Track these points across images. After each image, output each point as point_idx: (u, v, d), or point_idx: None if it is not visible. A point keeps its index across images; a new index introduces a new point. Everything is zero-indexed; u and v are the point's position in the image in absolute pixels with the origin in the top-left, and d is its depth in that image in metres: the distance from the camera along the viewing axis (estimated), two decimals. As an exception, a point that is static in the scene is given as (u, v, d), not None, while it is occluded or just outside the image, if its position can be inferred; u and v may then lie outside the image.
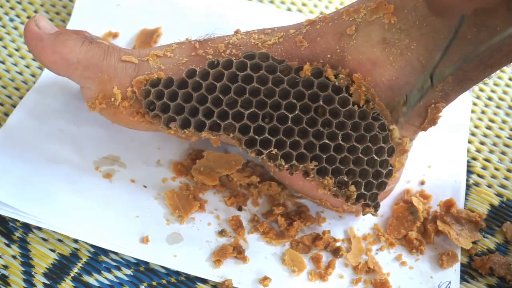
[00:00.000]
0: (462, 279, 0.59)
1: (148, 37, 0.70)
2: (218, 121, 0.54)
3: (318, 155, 0.54)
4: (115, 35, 0.70)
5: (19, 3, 0.73)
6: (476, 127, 0.69)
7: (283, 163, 0.54)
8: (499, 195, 0.65)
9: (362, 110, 0.53)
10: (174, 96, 0.54)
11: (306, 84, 0.54)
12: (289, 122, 0.53)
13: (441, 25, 0.52)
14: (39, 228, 0.58)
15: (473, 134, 0.68)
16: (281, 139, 0.53)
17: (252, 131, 0.53)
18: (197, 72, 0.54)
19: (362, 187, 0.54)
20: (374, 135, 0.54)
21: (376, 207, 0.56)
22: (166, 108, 0.55)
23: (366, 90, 0.53)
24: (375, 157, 0.54)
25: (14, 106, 0.65)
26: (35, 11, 0.73)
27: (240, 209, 0.61)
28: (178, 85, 0.54)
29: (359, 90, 0.53)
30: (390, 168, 0.55)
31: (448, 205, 0.62)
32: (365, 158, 0.54)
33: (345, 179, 0.54)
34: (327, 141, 0.53)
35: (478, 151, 0.67)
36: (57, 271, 0.57)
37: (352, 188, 0.54)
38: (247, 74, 0.54)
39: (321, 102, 0.53)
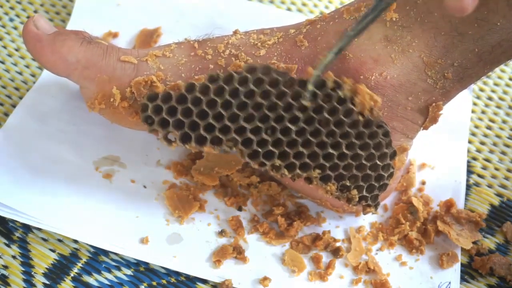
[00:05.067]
0: (462, 279, 0.59)
1: (148, 37, 0.70)
2: (219, 135, 0.53)
3: (322, 164, 0.53)
4: (115, 35, 0.70)
5: (19, 3, 0.73)
6: (476, 127, 0.69)
7: (286, 172, 0.53)
8: (499, 195, 0.65)
9: (367, 119, 0.53)
10: (173, 111, 0.53)
11: (310, 96, 0.53)
12: (293, 134, 0.52)
13: (442, 21, 0.52)
14: (39, 228, 0.58)
15: (473, 134, 0.68)
16: (284, 151, 0.53)
17: (255, 144, 0.53)
18: (197, 87, 0.53)
19: (364, 190, 0.54)
20: (378, 142, 0.53)
21: (377, 206, 0.56)
22: (165, 123, 0.53)
23: (370, 98, 0.52)
24: (378, 162, 0.54)
25: (14, 106, 0.65)
26: (35, 11, 0.73)
27: (240, 209, 0.61)
28: (177, 100, 0.53)
29: (364, 101, 0.52)
30: (392, 170, 0.55)
31: (448, 205, 0.62)
32: (368, 164, 0.54)
33: (348, 184, 0.54)
34: (331, 151, 0.53)
35: (478, 151, 0.67)
36: (57, 271, 0.57)
37: (354, 191, 0.54)
38: (249, 90, 0.52)
39: (325, 114, 0.52)
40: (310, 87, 0.52)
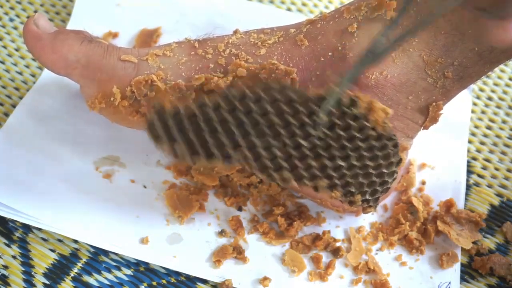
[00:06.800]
0: (462, 279, 0.59)
1: (148, 37, 0.70)
2: (229, 152, 0.52)
3: (330, 174, 0.53)
4: (115, 35, 0.70)
5: (19, 3, 0.73)
6: (476, 127, 0.69)
7: (294, 183, 0.53)
8: (499, 195, 0.65)
9: (379, 134, 0.52)
10: (183, 129, 0.52)
11: (323, 125, 0.52)
12: (304, 150, 0.52)
13: (442, 20, 0.52)
14: (39, 228, 0.58)
15: (473, 134, 0.68)
16: (294, 164, 0.52)
17: (265, 159, 0.52)
18: (209, 105, 0.51)
19: (367, 195, 0.54)
20: (386, 153, 0.53)
21: (376, 205, 0.56)
22: (173, 139, 0.52)
23: (383, 111, 0.51)
24: (384, 170, 0.54)
25: (14, 106, 0.65)
26: (35, 11, 0.73)
27: (240, 209, 0.61)
28: (187, 118, 0.51)
29: (377, 118, 0.51)
30: (396, 175, 0.55)
31: (448, 205, 0.62)
32: (375, 172, 0.54)
33: (352, 190, 0.54)
34: (340, 163, 0.52)
35: (478, 151, 0.67)
36: (57, 271, 0.57)
37: (358, 196, 0.54)
38: (264, 109, 0.51)
39: (338, 131, 0.52)
40: (323, 116, 0.51)
